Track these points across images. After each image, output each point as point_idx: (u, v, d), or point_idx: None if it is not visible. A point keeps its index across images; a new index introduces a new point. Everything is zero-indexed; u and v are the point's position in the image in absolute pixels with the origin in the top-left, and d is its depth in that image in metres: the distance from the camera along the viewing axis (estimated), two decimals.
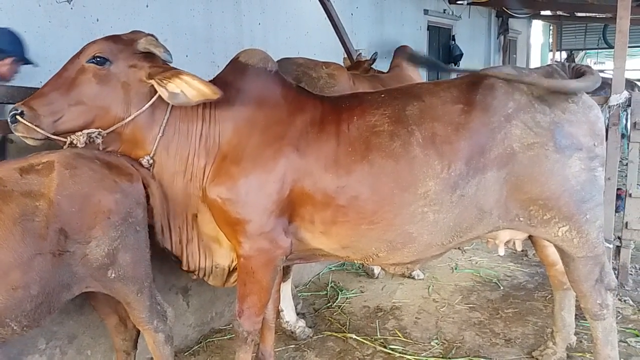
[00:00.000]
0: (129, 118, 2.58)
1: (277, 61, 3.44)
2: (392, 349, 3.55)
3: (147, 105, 2.59)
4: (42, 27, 4.16)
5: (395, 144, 2.58)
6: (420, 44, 10.00)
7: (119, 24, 4.56)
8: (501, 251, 3.00)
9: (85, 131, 2.55)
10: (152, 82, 2.55)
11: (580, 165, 2.56)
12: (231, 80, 2.76)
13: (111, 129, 2.58)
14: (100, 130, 2.57)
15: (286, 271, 3.62)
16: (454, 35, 11.34)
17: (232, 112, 2.70)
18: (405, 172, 2.57)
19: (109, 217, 2.36)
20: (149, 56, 2.63)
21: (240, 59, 2.81)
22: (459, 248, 5.36)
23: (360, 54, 5.49)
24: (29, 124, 2.45)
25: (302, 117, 2.71)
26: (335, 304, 4.31)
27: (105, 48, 2.58)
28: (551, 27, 17.58)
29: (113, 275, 2.42)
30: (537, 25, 17.22)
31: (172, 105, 2.62)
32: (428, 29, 10.36)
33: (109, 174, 2.44)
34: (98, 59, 2.55)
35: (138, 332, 2.82)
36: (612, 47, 4.42)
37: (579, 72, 2.67)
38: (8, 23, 3.84)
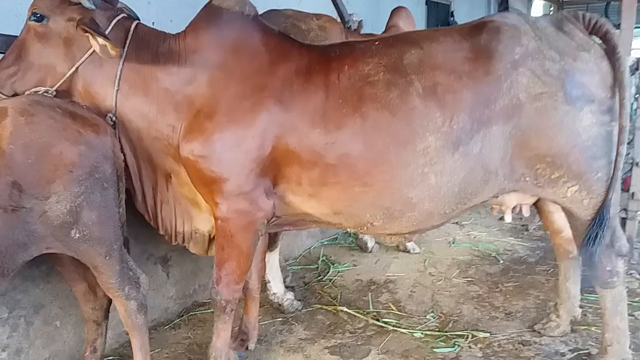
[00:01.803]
0: (68, 74, 2.42)
1: (264, 13, 3.21)
2: (385, 322, 3.35)
3: (83, 59, 2.42)
4: None
5: (392, 94, 2.35)
6: (418, 19, 9.64)
7: None
8: (508, 218, 2.79)
9: (32, 89, 2.42)
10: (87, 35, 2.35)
11: (592, 118, 2.35)
12: (203, 26, 2.52)
13: (56, 86, 2.43)
14: (48, 88, 2.43)
15: (273, 240, 3.41)
16: (452, 12, 11.04)
17: (205, 62, 2.46)
18: (402, 125, 2.35)
19: (72, 170, 2.14)
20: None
21: (213, 2, 2.55)
22: (456, 222, 5.22)
23: (361, 20, 5.22)
24: None
25: (286, 66, 2.47)
26: (326, 277, 4.11)
27: (40, 3, 2.43)
28: (552, 7, 17.25)
29: (77, 235, 2.20)
30: (538, 4, 16.89)
31: (126, 58, 2.44)
32: (426, 4, 10.05)
33: (72, 123, 2.21)
34: (36, 16, 2.41)
35: (109, 301, 2.61)
36: (614, 25, 4.19)
37: (598, 27, 2.44)
38: None
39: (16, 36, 2.56)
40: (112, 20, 2.47)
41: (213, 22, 2.51)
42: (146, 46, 2.50)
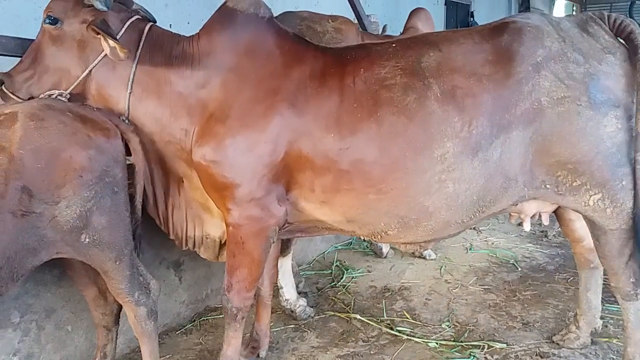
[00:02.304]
0: (81, 77, 2.41)
1: (279, 15, 3.18)
2: (400, 331, 3.28)
3: (96, 61, 2.41)
4: None
5: (410, 98, 2.28)
6: (437, 20, 9.57)
7: None
8: (527, 226, 2.69)
9: (47, 93, 2.42)
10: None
11: (617, 124, 2.25)
12: (217, 29, 2.48)
13: (69, 89, 2.42)
14: (62, 92, 2.43)
15: (286, 245, 3.37)
16: (472, 12, 10.93)
17: (219, 65, 2.43)
18: (419, 130, 2.27)
19: (81, 175, 2.12)
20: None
21: (227, 4, 2.51)
22: (474, 228, 5.12)
23: (385, 25, 5.18)
24: (6, 91, 2.43)
25: (300, 69, 2.42)
26: (339, 283, 4.05)
27: (55, 6, 2.42)
28: (574, 7, 16.99)
29: (87, 240, 2.18)
30: (560, 4, 16.66)
31: (139, 60, 2.42)
32: (446, 4, 9.98)
33: (82, 127, 2.19)
34: (51, 19, 2.40)
35: (120, 306, 2.59)
36: None
37: (622, 28, 2.35)
38: None
39: (32, 40, 2.56)
40: (125, 22, 2.46)
41: (227, 25, 2.47)
42: (160, 48, 2.47)
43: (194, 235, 2.70)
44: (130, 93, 2.42)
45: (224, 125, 2.34)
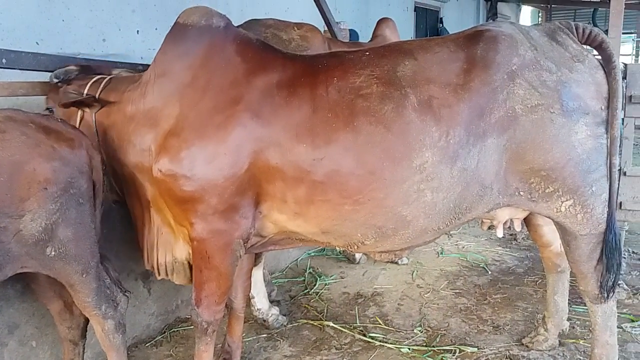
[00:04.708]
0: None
1: (245, 23, 3.15)
2: (372, 337, 3.29)
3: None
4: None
5: (387, 107, 2.25)
6: (407, 25, 9.68)
7: None
8: (499, 233, 2.71)
9: None
10: None
11: (587, 131, 2.30)
12: (170, 48, 2.45)
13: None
14: None
15: (257, 255, 3.33)
16: (441, 18, 11.06)
17: (173, 83, 2.39)
18: (397, 140, 2.24)
19: (46, 187, 2.06)
20: None
21: (178, 21, 2.47)
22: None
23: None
24: None
25: (266, 77, 2.36)
26: (312, 290, 4.03)
27: None
28: (540, 14, 17.38)
29: (53, 253, 2.12)
30: (526, 10, 17.04)
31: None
32: (415, 10, 10.06)
33: (45, 139, 2.13)
34: None
35: (86, 319, 2.52)
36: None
37: (593, 37, 2.41)
38: None
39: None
40: (87, 85, 2.66)
41: (179, 42, 2.43)
42: (113, 90, 2.62)
43: (165, 262, 2.66)
44: (96, 130, 2.58)
45: (178, 138, 2.29)
